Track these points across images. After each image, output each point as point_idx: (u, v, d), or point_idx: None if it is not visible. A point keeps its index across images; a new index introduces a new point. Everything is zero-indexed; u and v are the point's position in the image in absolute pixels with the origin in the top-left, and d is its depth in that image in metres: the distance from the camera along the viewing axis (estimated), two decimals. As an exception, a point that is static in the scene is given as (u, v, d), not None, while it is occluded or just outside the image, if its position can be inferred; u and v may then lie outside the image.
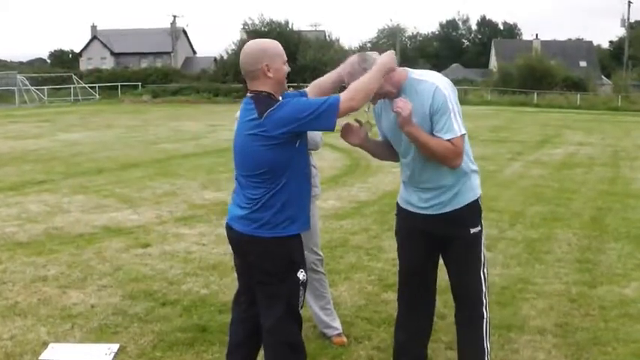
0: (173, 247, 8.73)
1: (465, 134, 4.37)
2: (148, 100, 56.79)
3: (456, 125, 4.33)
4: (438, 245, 4.71)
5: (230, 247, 4.49)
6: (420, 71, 4.51)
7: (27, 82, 57.46)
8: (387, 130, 4.67)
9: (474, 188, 4.62)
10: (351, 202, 12.00)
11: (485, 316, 4.67)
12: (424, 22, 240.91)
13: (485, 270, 4.67)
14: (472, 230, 4.60)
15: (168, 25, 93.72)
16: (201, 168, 15.94)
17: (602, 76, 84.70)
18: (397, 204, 4.90)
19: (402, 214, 4.83)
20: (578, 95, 59.01)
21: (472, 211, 4.63)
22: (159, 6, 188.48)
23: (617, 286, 7.28)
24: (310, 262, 5.37)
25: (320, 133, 5.17)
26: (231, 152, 4.37)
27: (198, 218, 10.43)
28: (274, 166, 4.07)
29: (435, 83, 4.36)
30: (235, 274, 4.65)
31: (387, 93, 4.41)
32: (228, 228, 4.42)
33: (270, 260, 4.19)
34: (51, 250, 8.57)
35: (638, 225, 10.33)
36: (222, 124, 30.20)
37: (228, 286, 7.04)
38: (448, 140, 4.30)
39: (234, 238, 4.38)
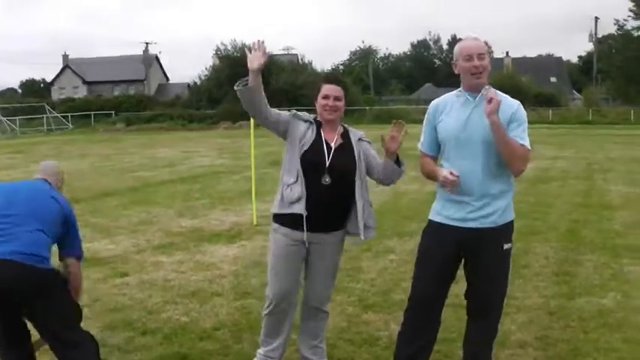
0: (151, 275, 8.68)
1: (530, 151, 4.69)
2: (121, 129, 56.74)
3: (528, 140, 4.68)
4: (464, 261, 4.84)
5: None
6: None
7: (-1, 113, 57.18)
8: (455, 127, 4.76)
9: (513, 208, 4.89)
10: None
11: (498, 331, 4.96)
12: (396, 43, 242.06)
13: (507, 289, 4.92)
14: (505, 246, 4.79)
15: (141, 53, 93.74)
16: (177, 195, 15.90)
17: (574, 91, 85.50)
18: (430, 221, 4.94)
19: (436, 230, 4.88)
20: (550, 110, 59.55)
21: (511, 229, 4.87)
22: (131, 33, 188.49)
23: (595, 297, 7.34)
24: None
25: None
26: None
27: (175, 246, 10.39)
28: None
29: (517, 101, 4.82)
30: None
31: (478, 84, 4.73)
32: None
33: None
34: (28, 283, 8.48)
35: (613, 235, 10.47)
36: (196, 150, 30.26)
37: (208, 313, 7.04)
38: (521, 145, 4.60)
39: None
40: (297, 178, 4.99)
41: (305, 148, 5.03)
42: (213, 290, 7.88)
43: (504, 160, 4.61)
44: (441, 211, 4.84)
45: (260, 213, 12.24)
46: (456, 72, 4.83)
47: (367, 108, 59.35)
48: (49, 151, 33.84)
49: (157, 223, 12.36)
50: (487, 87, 4.63)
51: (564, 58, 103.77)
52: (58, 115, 63.76)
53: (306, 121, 5.17)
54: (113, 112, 65.63)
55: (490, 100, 4.50)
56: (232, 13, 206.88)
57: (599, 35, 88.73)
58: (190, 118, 59.45)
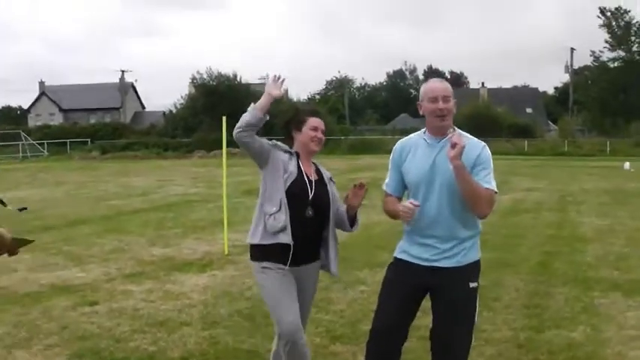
0: (121, 304, 8.61)
1: (497, 193, 4.71)
2: (97, 156, 56.64)
3: (494, 183, 4.67)
4: (428, 297, 4.84)
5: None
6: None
7: (-27, 141, 56.93)
8: (420, 171, 4.77)
9: (479, 248, 4.92)
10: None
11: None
12: (372, 73, 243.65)
13: (473, 327, 4.85)
14: (471, 285, 4.76)
15: (117, 81, 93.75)
16: (150, 224, 15.82)
17: (549, 122, 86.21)
18: (395, 258, 4.95)
19: (401, 267, 4.88)
20: (526, 141, 59.95)
21: (477, 268, 4.87)
22: (107, 61, 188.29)
23: (565, 330, 7.33)
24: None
25: None
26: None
27: (146, 275, 10.32)
28: None
29: (483, 143, 4.78)
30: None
31: (442, 127, 4.73)
32: None
33: None
34: (-3, 310, 8.42)
35: (585, 268, 10.48)
36: (171, 179, 30.21)
37: (175, 342, 6.99)
38: (487, 189, 4.60)
39: None
40: (281, 207, 4.95)
41: (290, 180, 5.02)
42: (182, 320, 7.82)
43: (468, 204, 4.61)
44: (408, 250, 4.86)
45: (232, 242, 12.23)
46: (421, 113, 4.85)
47: (342, 138, 59.44)
48: (23, 178, 33.70)
49: (128, 252, 12.28)
50: (452, 130, 4.66)
51: (540, 89, 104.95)
52: (34, 142, 63.53)
53: (286, 151, 5.17)
54: (89, 139, 65.44)
55: (454, 145, 4.49)
56: (209, 42, 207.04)
57: (576, 66, 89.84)
58: (165, 147, 59.40)
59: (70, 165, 46.80)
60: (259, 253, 5.08)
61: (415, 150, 4.86)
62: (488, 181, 4.65)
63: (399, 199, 4.95)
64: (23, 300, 8.93)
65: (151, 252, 12.23)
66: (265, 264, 5.05)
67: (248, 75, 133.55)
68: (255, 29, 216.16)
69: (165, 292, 9.19)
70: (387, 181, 5.03)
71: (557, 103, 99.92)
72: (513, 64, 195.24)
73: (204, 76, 70.06)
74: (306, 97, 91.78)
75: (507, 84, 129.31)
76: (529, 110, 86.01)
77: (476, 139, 4.83)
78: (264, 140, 5.08)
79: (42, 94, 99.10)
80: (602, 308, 8.26)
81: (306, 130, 5.19)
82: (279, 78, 5.06)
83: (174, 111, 72.44)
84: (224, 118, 11.59)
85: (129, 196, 23.20)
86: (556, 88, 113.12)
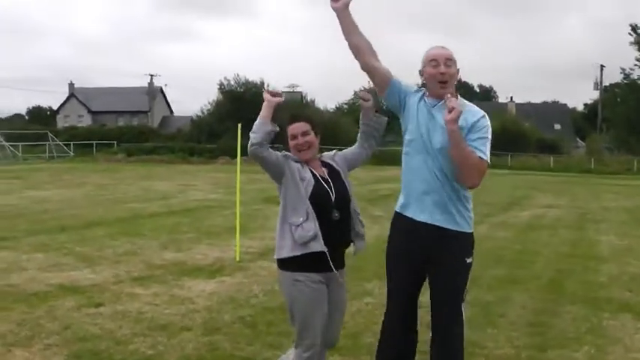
0: (125, 306, 8.61)
1: (489, 165, 4.74)
2: (122, 159, 56.81)
3: (488, 152, 4.71)
4: (429, 266, 4.94)
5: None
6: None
7: (2, 139, 57.41)
8: (413, 128, 4.87)
9: (472, 219, 4.98)
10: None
11: (462, 336, 5.03)
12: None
13: (465, 299, 5.03)
14: (467, 260, 4.89)
15: (146, 85, 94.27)
16: (165, 228, 15.82)
17: (577, 139, 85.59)
18: (395, 213, 5.06)
19: (401, 223, 5.02)
20: (552, 158, 59.53)
21: (470, 242, 4.95)
22: (138, 65, 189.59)
23: (568, 350, 7.22)
24: None
25: None
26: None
27: (154, 278, 10.32)
28: None
29: (483, 112, 4.84)
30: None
31: (444, 94, 4.72)
32: None
33: None
34: (2, 308, 8.44)
35: (596, 288, 10.34)
36: (193, 184, 30.29)
37: (174, 347, 6.98)
38: (479, 157, 4.64)
39: None
40: (308, 216, 4.91)
41: (310, 187, 4.99)
42: (184, 324, 7.81)
43: (458, 171, 4.63)
44: (407, 207, 5.01)
45: (245, 249, 12.24)
46: (422, 81, 4.85)
47: (367, 148, 58.88)
48: (47, 178, 33.92)
49: (140, 255, 12.30)
50: (449, 96, 4.61)
51: (570, 105, 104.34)
52: (61, 143, 64.00)
53: (296, 161, 5.13)
54: (115, 142, 65.80)
55: (451, 110, 4.48)
56: (238, 48, 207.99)
57: (606, 83, 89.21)
58: (191, 152, 59.46)
59: (95, 167, 47.04)
60: (290, 265, 5.00)
61: (416, 105, 4.90)
62: (482, 149, 4.68)
63: (387, 79, 5.06)
64: (30, 299, 8.96)
65: (162, 256, 12.23)
66: (297, 276, 4.98)
67: (275, 83, 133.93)
68: (284, 37, 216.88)
69: (171, 296, 9.19)
70: (397, 79, 5.09)
71: (586, 120, 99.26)
72: (543, 80, 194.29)
73: (232, 82, 70.37)
74: (333, 107, 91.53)
75: (536, 99, 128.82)
76: (557, 126, 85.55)
77: (477, 107, 4.89)
78: (277, 152, 5.07)
79: (71, 95, 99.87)
80: (609, 329, 8.12)
81: (289, 140, 5.16)
82: (275, 94, 5.08)
83: (201, 116, 72.57)
84: (239, 125, 11.59)
85: (148, 199, 23.23)
86: (585, 105, 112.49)
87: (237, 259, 11.78)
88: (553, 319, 8.51)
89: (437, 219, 4.81)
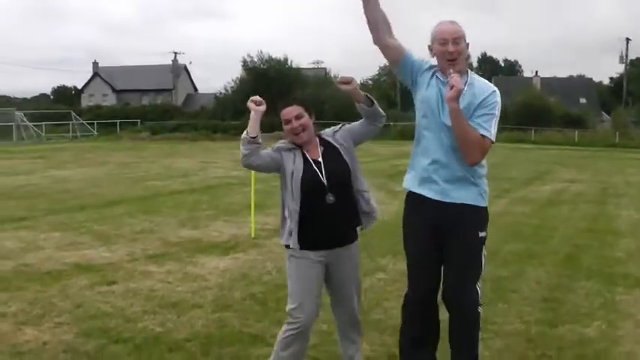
0: (138, 284, 8.64)
1: (493, 143, 4.69)
2: (146, 137, 56.94)
3: (493, 130, 4.66)
4: (444, 242, 4.91)
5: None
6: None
7: (25, 119, 57.81)
8: (431, 101, 4.80)
9: (487, 193, 4.95)
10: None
11: (480, 315, 5.10)
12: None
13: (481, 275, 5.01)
14: (480, 234, 4.88)
15: (170, 63, 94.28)
16: (184, 205, 15.87)
17: (603, 113, 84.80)
18: (408, 192, 5.06)
19: (414, 202, 5.01)
20: (576, 132, 59.03)
21: (485, 216, 4.94)
22: (162, 43, 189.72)
23: (579, 326, 7.16)
24: None
25: None
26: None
27: (169, 256, 10.35)
28: None
29: (495, 88, 4.76)
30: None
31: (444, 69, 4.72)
32: None
33: None
34: (16, 287, 8.49)
35: (612, 263, 10.26)
36: (215, 161, 30.36)
37: (183, 324, 7.00)
38: (482, 135, 4.60)
39: None
40: (290, 215, 5.01)
41: (300, 174, 5.00)
42: (195, 302, 7.83)
43: (458, 145, 4.61)
44: (416, 184, 4.99)
45: (261, 226, 12.26)
46: (431, 56, 4.81)
47: (392, 124, 59.10)
48: (70, 157, 34.13)
49: (157, 232, 12.35)
50: (451, 71, 4.58)
51: (595, 80, 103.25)
52: (84, 122, 64.25)
53: (289, 149, 5.11)
54: (139, 120, 65.94)
55: (452, 87, 4.47)
56: (264, 25, 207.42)
57: (631, 57, 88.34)
58: (214, 129, 59.46)
59: (119, 145, 47.21)
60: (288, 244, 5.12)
61: (428, 81, 4.87)
62: (486, 127, 4.64)
63: (399, 49, 4.98)
64: (44, 278, 9.02)
65: (178, 233, 12.26)
66: (293, 252, 5.09)
67: (300, 59, 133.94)
68: (308, 12, 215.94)
69: (185, 273, 9.21)
70: (410, 52, 5.01)
71: (612, 94, 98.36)
72: (568, 54, 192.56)
73: (255, 59, 70.27)
74: (358, 83, 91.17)
75: (562, 74, 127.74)
76: (583, 100, 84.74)
77: (489, 83, 4.83)
78: (269, 151, 5.09)
79: (95, 74, 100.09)
80: (622, 305, 8.05)
81: (283, 125, 5.13)
82: (259, 103, 5.02)
83: (224, 94, 72.54)
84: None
85: (169, 177, 23.31)
86: (611, 79, 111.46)
87: (253, 235, 11.80)
88: (567, 294, 8.45)
89: (449, 194, 4.79)
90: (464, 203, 4.81)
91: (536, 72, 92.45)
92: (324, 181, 4.99)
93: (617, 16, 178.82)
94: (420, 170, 4.91)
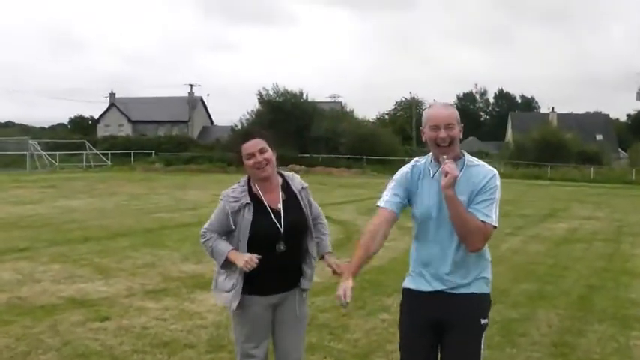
0: (131, 321, 8.33)
1: (495, 228, 4.32)
2: (159, 169, 56.83)
3: (494, 215, 4.30)
4: (442, 334, 4.50)
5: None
6: (476, 158, 4.52)
7: (39, 148, 57.94)
8: (423, 206, 4.47)
9: (490, 280, 4.55)
10: (332, 277, 11.56)
11: None
12: (442, 94, 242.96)
13: None
14: (482, 321, 4.46)
15: (186, 94, 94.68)
16: (189, 239, 15.52)
17: (619, 150, 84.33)
18: (404, 289, 4.68)
19: (411, 298, 4.60)
20: (592, 169, 58.59)
21: (487, 302, 4.54)
22: (179, 75, 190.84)
23: (591, 373, 6.81)
24: None
25: None
26: None
27: (167, 291, 10.04)
28: None
29: (494, 171, 4.40)
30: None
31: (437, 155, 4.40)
32: None
33: None
34: (5, 321, 8.23)
35: (627, 305, 9.86)
36: (226, 193, 30.03)
37: (173, 365, 6.69)
38: (482, 222, 4.25)
39: None
40: (231, 270, 4.81)
41: (249, 230, 4.75)
42: (188, 341, 7.51)
43: (458, 235, 4.28)
44: (418, 282, 4.58)
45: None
46: (423, 140, 4.46)
47: (406, 159, 58.45)
48: (81, 187, 33.96)
49: (158, 267, 12.05)
50: (444, 158, 4.25)
51: (612, 116, 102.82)
52: (98, 152, 64.35)
53: (235, 201, 4.82)
54: (153, 151, 65.94)
55: (446, 174, 4.16)
56: (280, 58, 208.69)
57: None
58: (229, 162, 59.24)
59: (132, 176, 47.05)
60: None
61: (423, 179, 4.50)
62: (487, 213, 4.28)
63: (394, 216, 4.53)
64: (36, 312, 8.73)
65: (180, 268, 11.96)
66: (244, 299, 4.84)
67: (315, 93, 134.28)
68: (325, 47, 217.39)
69: (181, 310, 8.90)
70: (385, 198, 4.57)
71: (629, 131, 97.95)
72: (585, 90, 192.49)
73: (271, 92, 70.25)
74: (374, 117, 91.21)
75: (578, 109, 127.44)
76: (599, 137, 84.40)
77: (488, 166, 4.46)
78: (219, 213, 4.88)
79: (112, 105, 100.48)
80: (636, 350, 7.67)
81: (245, 162, 4.82)
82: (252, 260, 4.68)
83: (239, 126, 72.47)
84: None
85: (178, 209, 23.03)
86: (628, 115, 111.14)
87: (256, 271, 11.45)
88: (578, 338, 8.06)
89: (450, 286, 4.45)
90: (464, 292, 4.46)
91: (553, 108, 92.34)
92: (281, 229, 4.76)
93: (634, 52, 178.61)
94: (420, 264, 4.58)
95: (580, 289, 10.97)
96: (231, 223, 4.77)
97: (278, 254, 4.75)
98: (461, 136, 4.40)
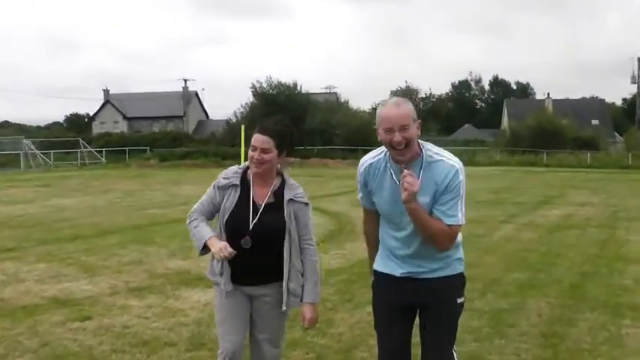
0: (112, 320, 8.16)
1: (463, 225, 4.25)
2: (155, 164, 56.69)
3: (460, 214, 4.20)
4: (417, 315, 4.52)
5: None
6: (437, 149, 4.31)
7: (33, 147, 57.80)
8: (387, 198, 4.36)
9: (463, 259, 4.51)
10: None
11: None
12: (438, 83, 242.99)
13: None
14: (458, 300, 4.44)
15: (181, 90, 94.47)
16: (178, 235, 15.29)
17: (616, 134, 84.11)
18: (375, 272, 4.57)
19: (384, 282, 4.51)
20: (589, 154, 58.44)
21: (461, 281, 4.50)
22: (174, 70, 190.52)
23: (580, 364, 6.64)
24: None
25: None
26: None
27: (151, 289, 9.86)
28: None
29: (455, 166, 4.20)
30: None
31: (398, 161, 4.20)
32: None
33: None
34: (-15, 324, 8.06)
35: (620, 292, 9.68)
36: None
37: (151, 365, 6.52)
38: (448, 225, 4.16)
39: None
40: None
41: (227, 213, 4.70)
42: (169, 339, 7.35)
43: (424, 239, 4.21)
44: (385, 262, 4.53)
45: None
46: (379, 139, 4.25)
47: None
48: (75, 185, 33.84)
49: (145, 264, 11.87)
50: (404, 168, 4.06)
51: (608, 101, 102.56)
52: (92, 149, 64.20)
53: (229, 185, 4.75)
54: (148, 147, 65.79)
55: (407, 188, 4.03)
56: (274, 51, 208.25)
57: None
58: (224, 156, 59.11)
59: (127, 173, 46.89)
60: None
61: (382, 178, 4.36)
62: (452, 214, 4.16)
63: (375, 210, 4.53)
64: (16, 313, 8.57)
65: (167, 265, 11.79)
66: (216, 279, 4.86)
67: (311, 84, 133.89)
68: (321, 39, 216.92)
69: (165, 308, 8.74)
70: (360, 195, 4.58)
71: (625, 116, 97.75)
72: (580, 76, 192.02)
73: (264, 85, 70.08)
74: (369, 108, 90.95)
75: (574, 95, 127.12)
76: (595, 122, 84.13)
77: (449, 159, 4.26)
78: (210, 194, 4.86)
79: (106, 102, 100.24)
80: (628, 339, 7.48)
81: (250, 150, 4.69)
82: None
83: (234, 120, 72.31)
84: (242, 127, 11.14)
85: (171, 205, 22.85)
86: (624, 100, 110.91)
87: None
88: (568, 328, 7.88)
89: (422, 271, 4.34)
90: (437, 276, 4.40)
91: (548, 94, 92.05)
92: (251, 224, 4.65)
93: (628, 37, 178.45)
94: (388, 251, 4.53)
95: (572, 276, 10.79)
96: (217, 196, 4.75)
97: (247, 249, 4.61)
98: (419, 133, 4.19)
